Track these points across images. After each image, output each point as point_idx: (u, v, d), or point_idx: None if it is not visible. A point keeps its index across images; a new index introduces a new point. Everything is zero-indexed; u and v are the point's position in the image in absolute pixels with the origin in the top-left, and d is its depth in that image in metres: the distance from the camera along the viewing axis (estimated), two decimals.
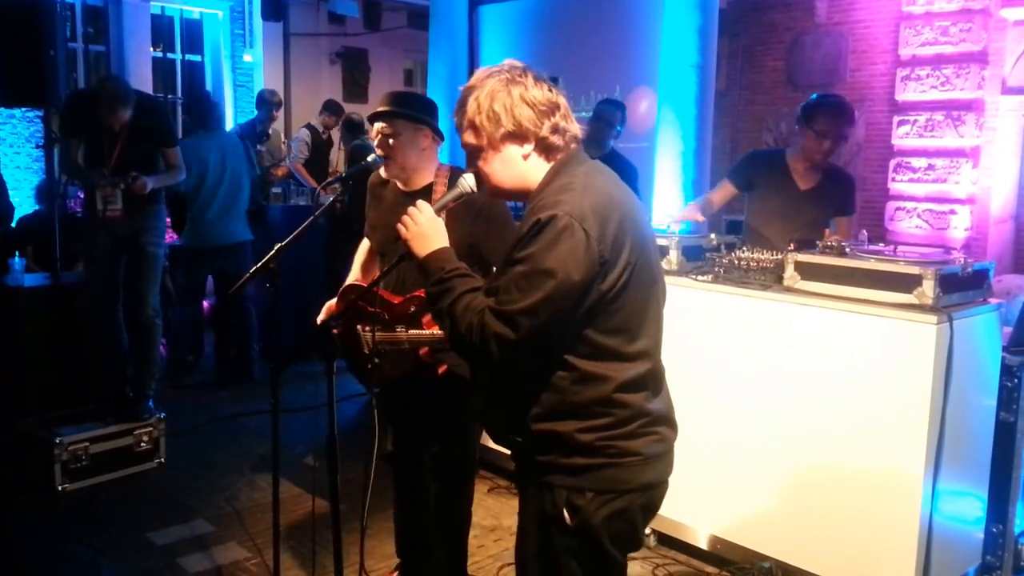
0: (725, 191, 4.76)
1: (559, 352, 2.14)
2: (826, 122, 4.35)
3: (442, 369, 3.23)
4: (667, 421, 2.30)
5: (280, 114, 8.94)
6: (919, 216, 9.38)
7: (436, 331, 3.17)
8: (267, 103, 8.41)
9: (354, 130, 7.94)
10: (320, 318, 3.44)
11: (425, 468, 3.59)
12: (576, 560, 2.22)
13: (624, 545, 2.30)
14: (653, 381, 2.26)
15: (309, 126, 9.14)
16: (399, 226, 2.32)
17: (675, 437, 2.33)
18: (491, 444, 2.40)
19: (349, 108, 9.64)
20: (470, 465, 3.55)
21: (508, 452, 2.37)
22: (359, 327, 3.32)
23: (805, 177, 4.47)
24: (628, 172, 5.35)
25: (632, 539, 2.32)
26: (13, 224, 7.14)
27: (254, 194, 6.84)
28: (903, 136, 9.50)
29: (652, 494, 2.28)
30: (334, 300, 3.45)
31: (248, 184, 6.67)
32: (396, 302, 3.21)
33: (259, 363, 6.86)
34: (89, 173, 5.00)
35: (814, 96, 4.55)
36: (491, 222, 3.08)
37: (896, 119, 9.57)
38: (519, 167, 2.24)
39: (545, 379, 2.16)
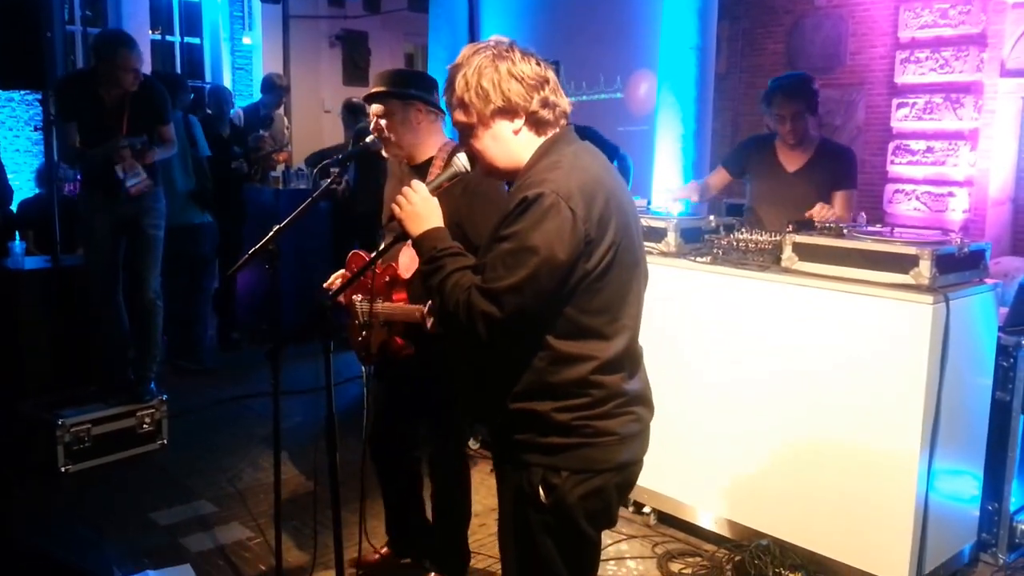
0: (720, 177, 4.82)
1: (541, 331, 2.15)
2: (780, 104, 4.39)
3: (408, 351, 3.27)
4: (643, 401, 2.32)
5: (288, 98, 8.89)
6: (917, 198, 9.38)
7: (403, 304, 3.21)
8: (275, 87, 8.33)
9: (355, 113, 7.94)
10: (328, 283, 3.46)
11: (412, 463, 3.63)
12: (551, 537, 2.24)
13: (598, 522, 2.32)
14: (630, 362, 2.28)
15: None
16: (393, 205, 2.34)
17: (651, 417, 2.35)
18: None
19: (349, 92, 9.63)
20: (463, 456, 3.59)
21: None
22: (355, 296, 3.35)
23: (792, 158, 4.49)
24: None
25: (606, 517, 2.35)
26: (14, 208, 7.15)
27: (200, 177, 6.61)
28: (902, 119, 9.49)
29: (627, 473, 2.30)
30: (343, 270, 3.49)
31: (180, 166, 6.42)
32: (377, 271, 3.23)
33: (210, 352, 6.89)
34: (104, 147, 4.92)
35: (770, 81, 4.56)
36: (477, 200, 3.04)
37: (895, 102, 9.55)
38: (511, 143, 2.24)
39: (524, 359, 2.18)
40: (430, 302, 2.99)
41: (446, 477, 3.53)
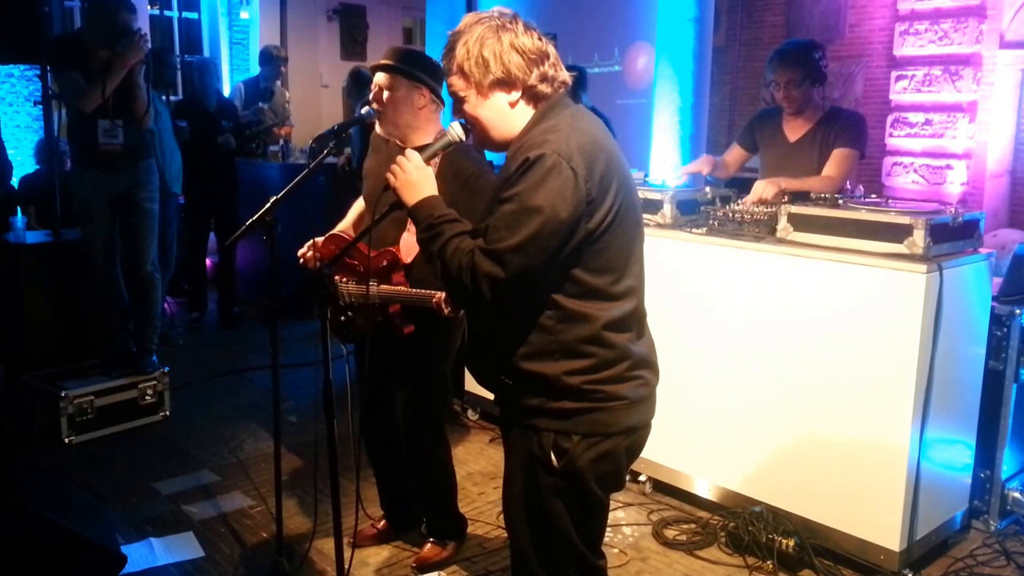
0: (736, 154, 4.76)
1: (547, 291, 2.18)
2: (775, 71, 4.33)
3: (408, 329, 3.29)
4: (649, 365, 2.35)
5: (287, 70, 8.84)
6: (915, 171, 9.38)
7: (402, 288, 3.24)
8: (273, 59, 8.28)
9: (362, 84, 7.92)
10: (302, 251, 3.48)
11: (398, 432, 3.66)
12: (562, 500, 2.28)
13: (608, 485, 2.35)
14: (637, 322, 2.31)
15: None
16: (387, 175, 2.35)
17: (657, 381, 2.38)
18: (491, 395, 2.45)
19: (348, 66, 9.59)
20: (440, 425, 3.60)
21: (492, 396, 2.42)
22: (337, 277, 3.37)
23: (794, 128, 4.45)
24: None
25: (616, 479, 2.38)
26: (15, 183, 7.16)
27: None
28: (901, 91, 9.47)
29: (636, 436, 2.33)
30: (320, 238, 3.50)
31: None
32: (364, 250, 3.24)
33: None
34: (90, 87, 4.85)
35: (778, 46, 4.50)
36: (475, 195, 3.04)
37: (894, 74, 9.53)
38: (506, 114, 2.26)
39: (533, 319, 2.20)
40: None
41: (424, 448, 3.56)
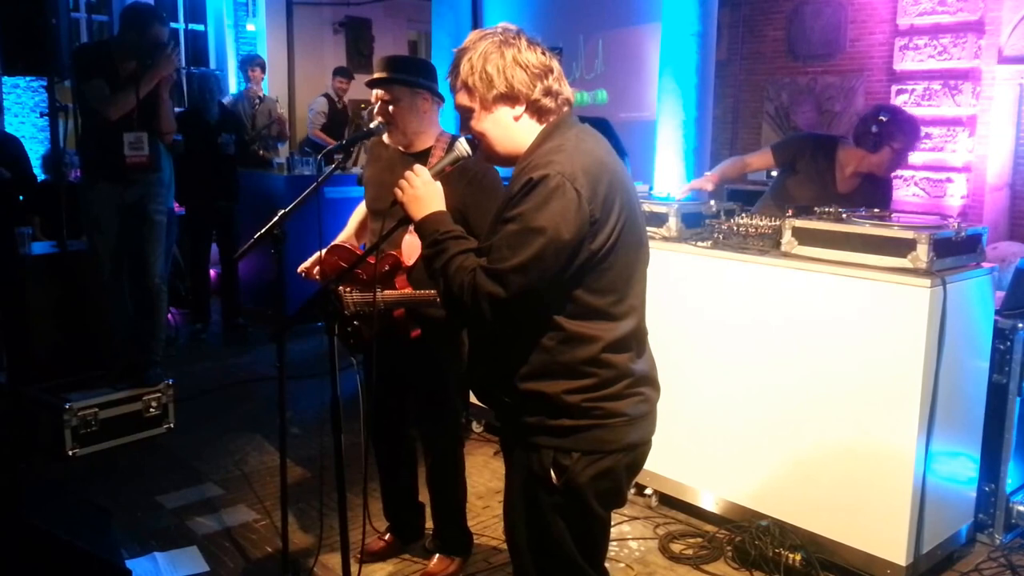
0: (764, 160, 4.79)
1: (549, 312, 2.18)
2: (903, 140, 4.36)
3: (415, 333, 3.30)
4: (650, 382, 2.35)
5: (263, 74, 8.90)
6: (916, 184, 9.42)
7: (407, 291, 3.25)
8: (246, 66, 8.48)
9: None
10: (306, 267, 3.49)
11: (409, 444, 3.67)
12: (562, 517, 2.27)
13: (609, 503, 2.35)
14: (637, 342, 2.30)
15: (326, 95, 9.36)
16: (396, 190, 2.35)
17: (658, 397, 2.38)
18: None
19: (354, 79, 9.65)
20: (457, 436, 3.61)
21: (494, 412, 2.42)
22: (342, 288, 3.38)
23: (847, 180, 4.52)
24: None
25: (616, 496, 2.37)
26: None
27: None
28: (901, 105, 9.49)
29: (636, 453, 2.33)
30: (324, 251, 3.50)
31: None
32: (371, 261, 3.22)
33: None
34: (119, 95, 4.87)
35: (884, 115, 4.38)
36: (482, 192, 3.08)
37: (894, 88, 9.57)
38: (511, 129, 2.26)
39: (534, 339, 2.20)
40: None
41: (439, 458, 3.57)
